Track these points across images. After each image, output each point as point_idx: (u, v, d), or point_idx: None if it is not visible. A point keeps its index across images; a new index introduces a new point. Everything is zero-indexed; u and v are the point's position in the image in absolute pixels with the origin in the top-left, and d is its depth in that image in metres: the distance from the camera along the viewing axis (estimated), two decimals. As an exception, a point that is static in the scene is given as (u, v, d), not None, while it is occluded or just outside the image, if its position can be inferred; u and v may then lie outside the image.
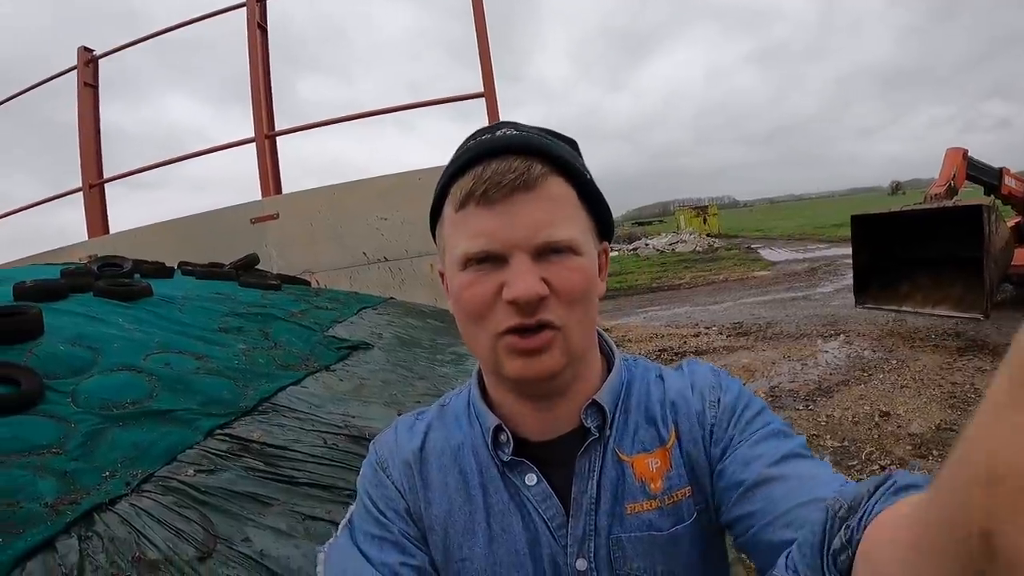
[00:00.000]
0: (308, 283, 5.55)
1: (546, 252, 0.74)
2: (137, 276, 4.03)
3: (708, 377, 0.89)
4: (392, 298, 5.58)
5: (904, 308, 7.98)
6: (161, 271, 4.36)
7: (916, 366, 6.86)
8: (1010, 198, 9.31)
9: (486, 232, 0.74)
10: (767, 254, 23.75)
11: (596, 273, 0.81)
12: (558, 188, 0.77)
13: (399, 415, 1.00)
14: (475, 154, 0.77)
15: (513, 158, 0.75)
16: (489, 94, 7.41)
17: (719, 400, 0.86)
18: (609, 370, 0.90)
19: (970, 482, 0.29)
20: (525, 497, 0.83)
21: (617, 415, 0.86)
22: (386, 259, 7.33)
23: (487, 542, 0.83)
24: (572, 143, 0.85)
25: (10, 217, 9.90)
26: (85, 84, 8.94)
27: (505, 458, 0.83)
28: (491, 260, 0.74)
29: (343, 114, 8.60)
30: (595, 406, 0.84)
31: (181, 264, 4.90)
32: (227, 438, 1.99)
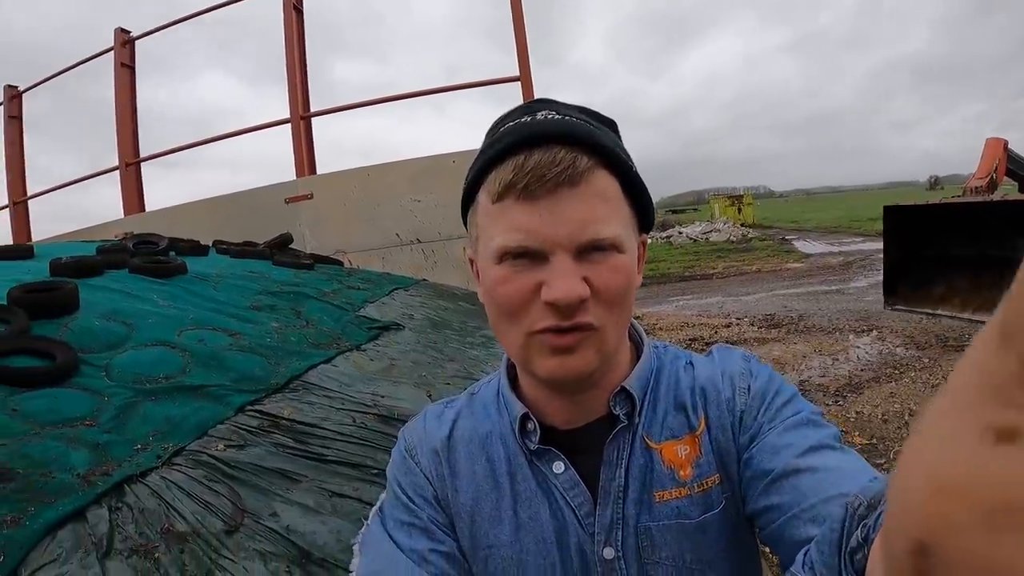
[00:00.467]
0: (341, 263, 5.59)
1: (588, 250, 0.71)
2: (172, 254, 4.10)
3: (739, 363, 0.86)
4: (424, 280, 5.60)
5: (939, 312, 7.55)
6: (196, 249, 4.43)
7: (948, 365, 6.67)
8: None
9: (526, 228, 0.70)
10: (801, 246, 23.40)
11: (636, 269, 0.78)
12: (604, 182, 0.73)
13: (428, 396, 1.00)
14: (515, 141, 0.72)
15: (557, 148, 0.70)
16: (525, 78, 7.37)
17: (749, 387, 0.83)
18: (638, 357, 0.87)
19: (907, 490, 0.27)
20: (552, 485, 0.81)
21: (646, 402, 0.83)
22: (419, 241, 7.35)
23: (514, 530, 0.82)
24: (612, 124, 0.81)
25: (49, 194, 10.12)
26: (122, 65, 9.07)
27: (532, 446, 0.82)
28: (529, 256, 0.71)
29: (379, 96, 8.64)
30: (624, 393, 0.82)
31: (216, 242, 4.97)
32: (258, 414, 2.01)
